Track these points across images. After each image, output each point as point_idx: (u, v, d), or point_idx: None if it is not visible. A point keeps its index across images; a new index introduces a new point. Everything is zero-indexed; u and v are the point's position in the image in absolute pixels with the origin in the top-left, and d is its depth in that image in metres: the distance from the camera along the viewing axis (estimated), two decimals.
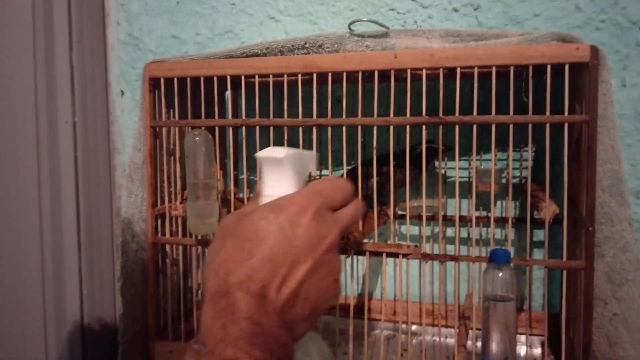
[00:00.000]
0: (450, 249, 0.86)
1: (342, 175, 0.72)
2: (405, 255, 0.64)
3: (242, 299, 0.36)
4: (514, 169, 0.82)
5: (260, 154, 0.44)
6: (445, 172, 0.84)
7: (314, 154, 0.48)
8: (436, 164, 0.85)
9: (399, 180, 0.72)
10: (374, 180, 0.69)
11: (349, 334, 0.69)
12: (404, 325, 0.80)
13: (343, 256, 0.67)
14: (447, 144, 0.70)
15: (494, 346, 0.61)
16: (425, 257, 0.65)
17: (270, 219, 0.39)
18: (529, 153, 0.64)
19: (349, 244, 0.66)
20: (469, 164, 0.83)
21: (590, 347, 0.62)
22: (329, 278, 0.41)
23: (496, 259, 0.59)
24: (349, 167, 0.77)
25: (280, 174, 0.44)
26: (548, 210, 0.61)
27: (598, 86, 0.59)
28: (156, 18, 0.98)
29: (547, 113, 0.60)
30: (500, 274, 0.60)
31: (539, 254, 0.83)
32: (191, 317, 0.79)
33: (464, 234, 0.86)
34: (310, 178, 0.65)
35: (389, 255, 0.65)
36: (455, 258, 0.64)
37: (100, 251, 1.00)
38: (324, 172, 0.86)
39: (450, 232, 0.87)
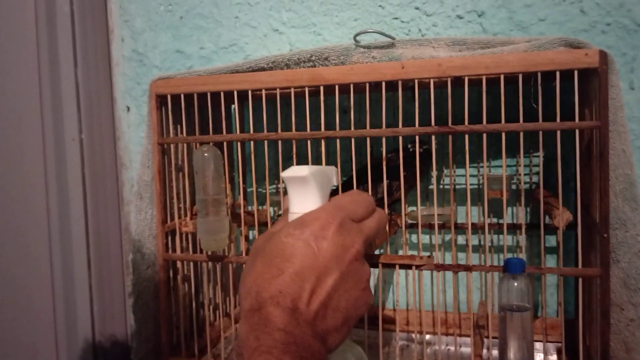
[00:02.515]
0: (461, 257, 0.86)
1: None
2: (418, 267, 0.64)
3: (274, 312, 0.38)
4: (524, 174, 0.82)
5: (285, 174, 0.46)
6: (455, 179, 0.84)
7: (334, 168, 0.50)
8: (446, 171, 0.85)
9: (397, 188, 0.72)
10: (384, 187, 0.68)
11: (363, 344, 0.69)
12: (417, 335, 0.79)
13: None
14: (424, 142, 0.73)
15: (512, 356, 0.61)
16: (439, 267, 0.64)
17: (296, 236, 0.41)
18: (540, 160, 0.63)
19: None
20: (478, 171, 0.83)
21: (608, 355, 0.61)
22: (357, 287, 0.42)
23: (511, 269, 0.59)
24: (344, 178, 0.77)
25: (305, 191, 0.46)
26: (562, 217, 0.61)
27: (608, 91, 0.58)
28: (160, 33, 0.98)
29: (558, 120, 0.60)
30: (516, 284, 0.60)
31: (551, 260, 0.82)
32: (204, 333, 0.79)
33: (474, 242, 0.86)
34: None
35: (402, 267, 0.64)
36: (468, 268, 0.63)
37: (110, 267, 1.00)
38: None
39: (460, 240, 0.86)
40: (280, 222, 0.47)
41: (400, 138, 0.65)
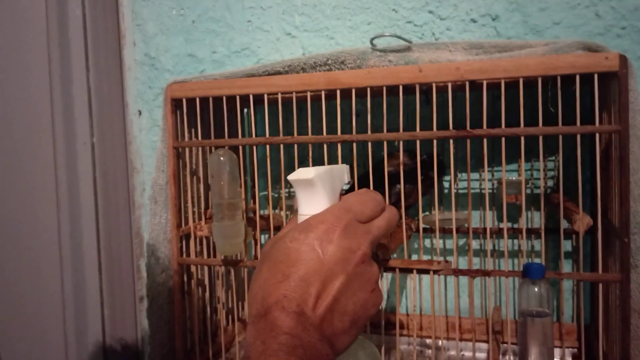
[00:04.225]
0: (476, 262, 0.85)
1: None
2: (436, 272, 0.63)
3: (280, 316, 0.38)
4: (536, 179, 0.81)
5: (291, 177, 0.46)
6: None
7: (345, 167, 0.49)
8: (460, 176, 0.84)
9: (408, 193, 0.72)
10: (402, 191, 0.68)
11: (379, 350, 0.68)
12: (431, 341, 0.79)
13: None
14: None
15: None
16: (457, 272, 0.64)
17: (301, 240, 0.41)
18: (560, 164, 0.63)
19: (378, 261, 0.66)
20: (492, 175, 0.82)
21: None
22: (365, 289, 0.42)
23: (531, 274, 0.58)
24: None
25: (312, 193, 0.45)
26: (582, 222, 0.60)
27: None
28: (172, 37, 0.98)
29: (578, 123, 0.60)
30: (536, 289, 0.59)
31: (566, 265, 0.82)
32: (217, 338, 0.78)
33: (488, 246, 0.85)
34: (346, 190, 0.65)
35: (419, 271, 0.64)
36: (487, 273, 0.63)
37: (121, 272, 1.00)
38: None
39: (474, 244, 0.86)
40: (288, 225, 0.46)
41: (418, 142, 0.65)
